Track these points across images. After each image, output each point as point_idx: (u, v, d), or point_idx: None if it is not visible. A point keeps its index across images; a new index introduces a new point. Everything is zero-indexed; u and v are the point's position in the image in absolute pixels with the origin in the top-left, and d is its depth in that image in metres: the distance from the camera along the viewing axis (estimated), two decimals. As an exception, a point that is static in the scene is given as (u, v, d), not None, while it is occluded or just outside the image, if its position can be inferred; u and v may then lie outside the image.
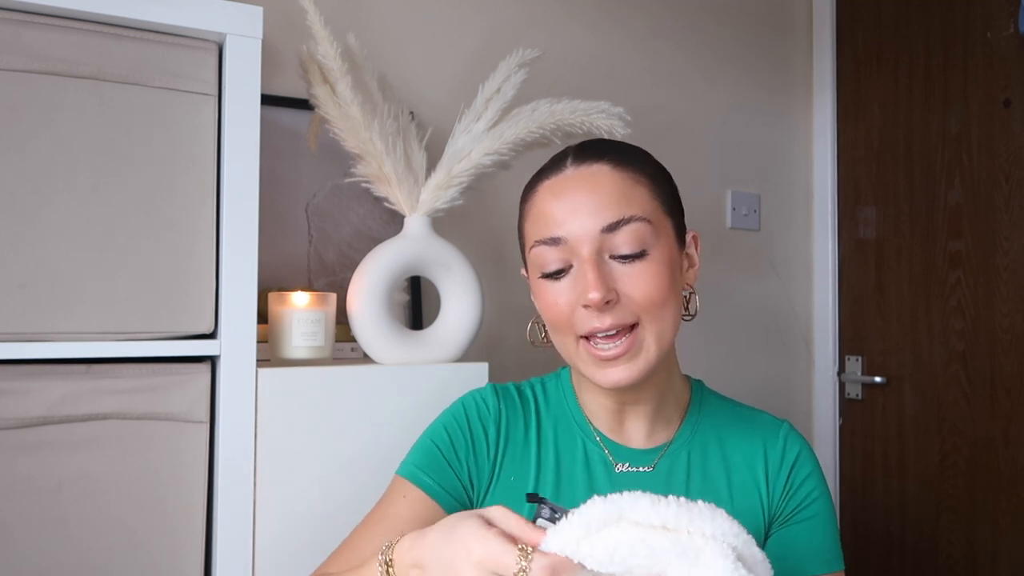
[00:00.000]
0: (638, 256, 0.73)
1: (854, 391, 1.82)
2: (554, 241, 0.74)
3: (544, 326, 0.83)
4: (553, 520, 0.58)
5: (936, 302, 1.65)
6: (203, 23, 0.86)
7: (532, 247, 0.77)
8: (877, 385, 1.77)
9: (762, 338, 1.83)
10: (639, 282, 0.73)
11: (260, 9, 0.89)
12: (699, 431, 0.83)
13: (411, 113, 1.15)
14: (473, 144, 1.05)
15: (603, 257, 0.73)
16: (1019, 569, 1.49)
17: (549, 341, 0.83)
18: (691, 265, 0.82)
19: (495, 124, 1.06)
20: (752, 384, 1.79)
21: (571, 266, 0.74)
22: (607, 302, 0.71)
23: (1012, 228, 1.52)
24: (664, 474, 0.79)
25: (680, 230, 0.79)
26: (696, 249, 0.82)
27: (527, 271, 0.83)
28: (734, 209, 1.77)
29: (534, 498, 0.59)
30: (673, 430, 0.83)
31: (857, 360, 1.82)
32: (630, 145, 0.80)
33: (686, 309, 0.82)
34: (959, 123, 1.62)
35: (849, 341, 1.85)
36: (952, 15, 1.64)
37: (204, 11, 0.86)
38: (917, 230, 1.70)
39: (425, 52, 1.40)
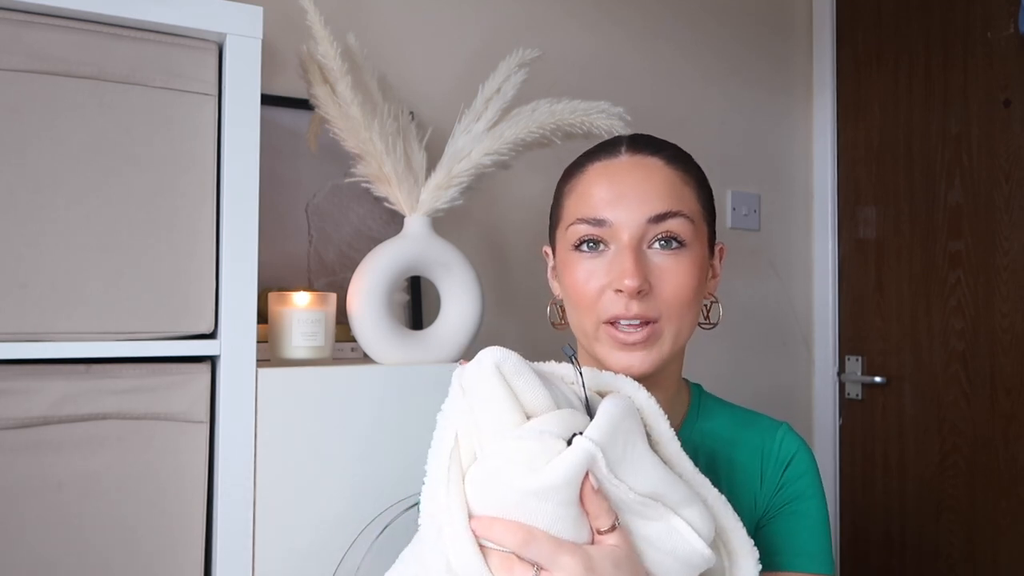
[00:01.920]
0: (678, 246, 0.74)
1: (854, 391, 1.82)
2: (598, 223, 0.74)
3: (562, 307, 0.83)
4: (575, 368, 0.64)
5: (936, 302, 1.65)
6: (203, 23, 0.86)
7: (572, 224, 0.77)
8: (877, 385, 1.77)
9: (762, 338, 1.83)
10: (672, 276, 0.73)
11: (260, 9, 0.89)
12: (697, 434, 0.83)
13: (411, 113, 1.15)
14: (473, 144, 1.05)
15: (643, 247, 0.74)
16: (1019, 569, 1.49)
17: (566, 322, 0.82)
18: (714, 275, 0.83)
19: (495, 124, 1.06)
20: (752, 384, 1.79)
21: (608, 245, 0.75)
22: (639, 291, 0.72)
23: (1012, 228, 1.52)
24: None
25: (712, 239, 0.81)
26: (720, 260, 0.83)
27: (552, 249, 0.83)
28: (734, 209, 1.77)
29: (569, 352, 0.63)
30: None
31: (857, 360, 1.82)
32: (680, 148, 0.82)
33: (706, 318, 0.83)
34: (959, 123, 1.62)
35: (849, 341, 1.85)
36: (952, 15, 1.64)
37: (204, 11, 0.86)
38: (917, 230, 1.70)
39: (425, 52, 1.40)
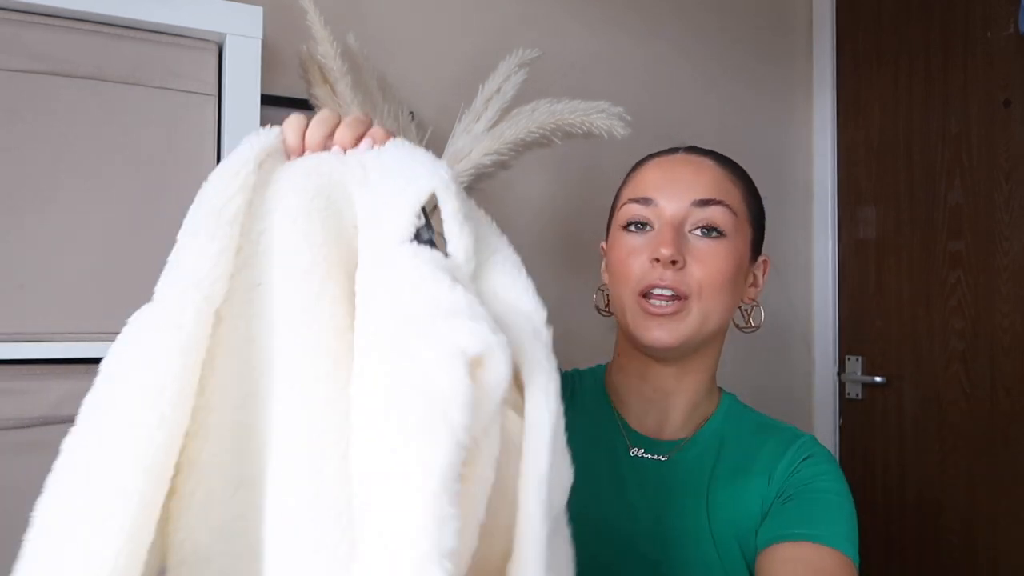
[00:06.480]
0: (716, 234, 0.77)
1: (854, 391, 1.82)
2: (646, 201, 0.79)
3: (607, 294, 0.87)
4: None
5: (936, 302, 1.65)
6: (203, 23, 0.86)
7: (624, 204, 0.82)
8: (877, 385, 1.77)
9: (762, 338, 1.83)
10: (706, 258, 0.77)
11: (260, 9, 0.89)
12: (720, 434, 0.83)
13: (411, 113, 1.15)
14: (473, 144, 1.05)
15: (684, 228, 0.78)
16: (1019, 569, 1.49)
17: (610, 311, 0.86)
18: (754, 284, 0.86)
19: (495, 124, 1.06)
20: (752, 384, 1.79)
21: (653, 226, 0.79)
22: (673, 262, 0.75)
23: (1012, 228, 1.52)
24: (677, 467, 0.80)
25: (756, 246, 0.84)
26: (763, 273, 0.86)
27: (607, 239, 0.87)
28: (734, 209, 1.77)
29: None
30: (695, 429, 0.83)
31: (857, 360, 1.82)
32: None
33: (747, 322, 0.87)
34: (959, 123, 1.62)
35: (849, 341, 1.85)
36: (952, 15, 1.64)
37: (204, 11, 0.86)
38: (917, 230, 1.69)
39: (425, 52, 1.40)
